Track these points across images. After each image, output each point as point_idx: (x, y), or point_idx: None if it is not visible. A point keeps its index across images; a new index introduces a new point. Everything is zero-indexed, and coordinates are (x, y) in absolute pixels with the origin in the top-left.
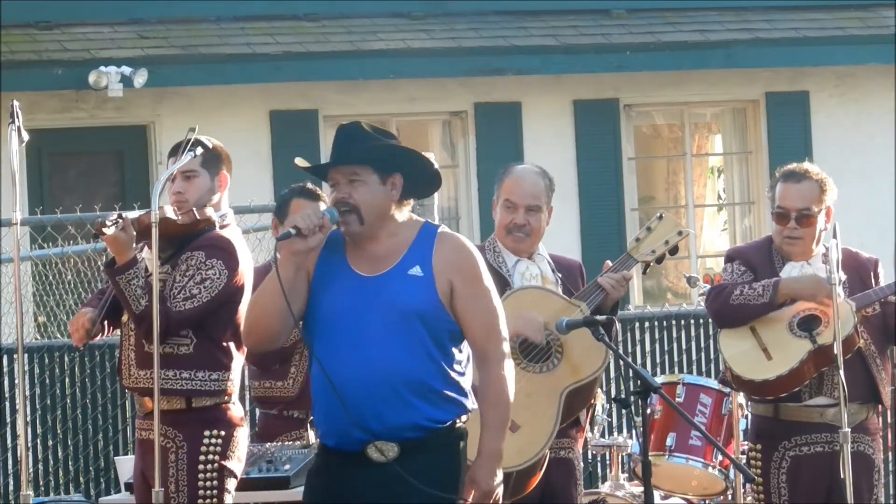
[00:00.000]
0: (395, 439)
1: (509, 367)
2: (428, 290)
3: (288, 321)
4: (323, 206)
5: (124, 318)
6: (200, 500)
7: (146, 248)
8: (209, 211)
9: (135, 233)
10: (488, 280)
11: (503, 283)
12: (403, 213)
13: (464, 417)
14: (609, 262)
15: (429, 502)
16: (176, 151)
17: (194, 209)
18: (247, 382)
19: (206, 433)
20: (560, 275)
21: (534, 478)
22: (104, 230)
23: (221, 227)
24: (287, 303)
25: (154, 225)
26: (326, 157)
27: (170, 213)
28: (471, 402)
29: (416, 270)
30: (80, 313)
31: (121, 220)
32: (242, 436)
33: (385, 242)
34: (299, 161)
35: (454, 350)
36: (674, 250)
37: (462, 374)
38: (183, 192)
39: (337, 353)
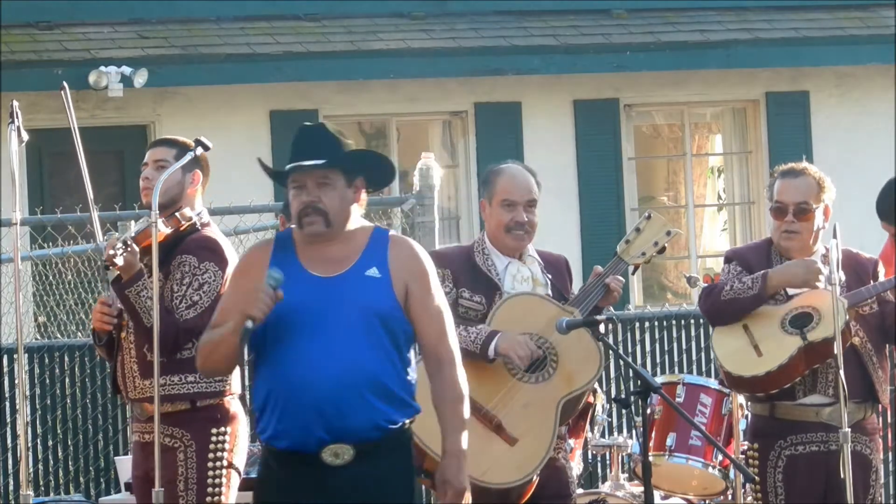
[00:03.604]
0: (352, 440)
1: (461, 367)
2: (386, 290)
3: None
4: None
5: (122, 333)
6: (209, 498)
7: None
8: (188, 212)
9: (137, 249)
10: (437, 283)
11: (493, 287)
12: (357, 216)
13: (413, 418)
14: (599, 268)
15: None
16: (162, 143)
17: (177, 214)
18: (247, 382)
19: (214, 430)
20: (549, 275)
21: (530, 486)
22: (115, 260)
23: (202, 226)
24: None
25: (154, 225)
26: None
27: (160, 226)
28: (417, 405)
29: (373, 272)
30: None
31: (127, 246)
32: (244, 432)
33: (340, 245)
34: (262, 160)
35: (407, 353)
36: (662, 249)
37: (412, 379)
38: (151, 180)
39: (298, 352)
